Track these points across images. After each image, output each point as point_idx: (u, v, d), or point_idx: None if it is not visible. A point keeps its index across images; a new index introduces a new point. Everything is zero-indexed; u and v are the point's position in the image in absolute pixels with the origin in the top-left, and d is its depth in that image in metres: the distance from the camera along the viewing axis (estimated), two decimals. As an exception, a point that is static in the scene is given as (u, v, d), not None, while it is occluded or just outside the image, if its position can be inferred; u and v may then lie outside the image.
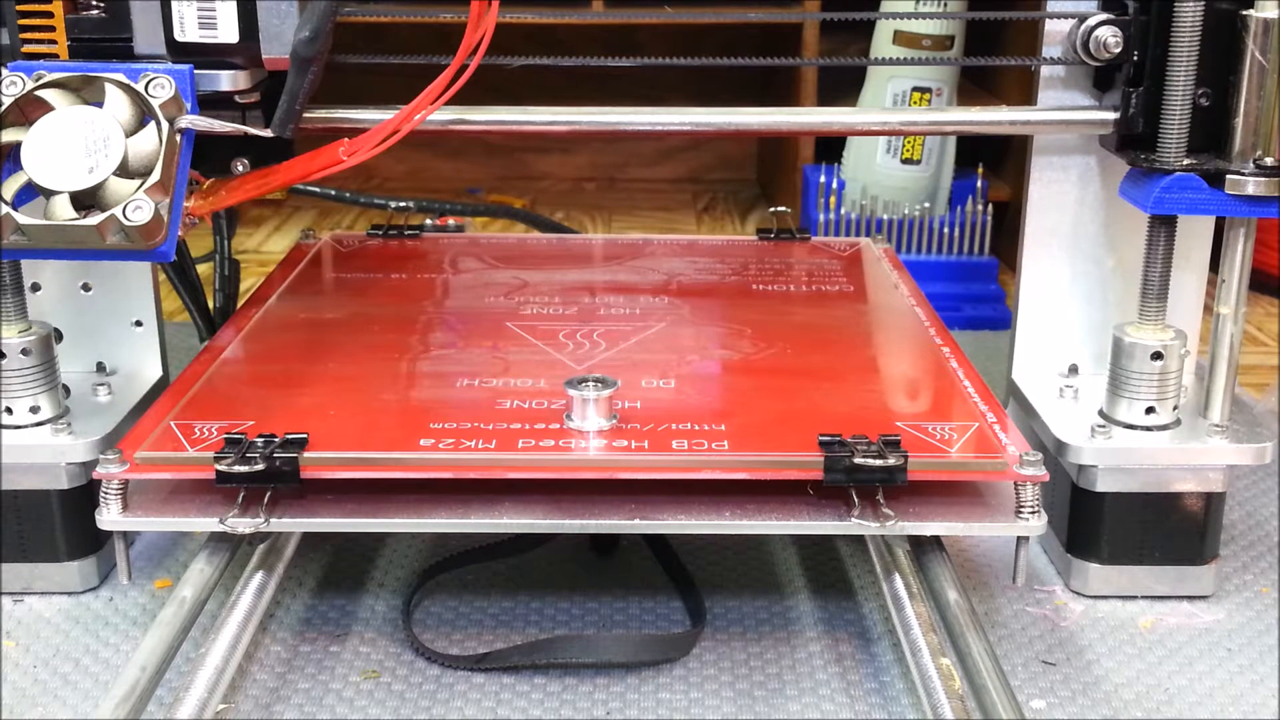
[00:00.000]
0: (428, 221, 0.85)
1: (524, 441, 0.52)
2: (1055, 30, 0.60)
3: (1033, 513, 0.51)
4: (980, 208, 1.06)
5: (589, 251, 0.81)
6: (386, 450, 0.51)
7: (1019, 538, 0.52)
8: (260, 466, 0.49)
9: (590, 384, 0.53)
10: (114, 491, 0.51)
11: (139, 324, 0.66)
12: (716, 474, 0.51)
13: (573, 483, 0.52)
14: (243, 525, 0.50)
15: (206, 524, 0.51)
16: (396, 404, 0.56)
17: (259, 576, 0.54)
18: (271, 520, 0.50)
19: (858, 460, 0.50)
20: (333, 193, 1.04)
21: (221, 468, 0.49)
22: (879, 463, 0.50)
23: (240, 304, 0.70)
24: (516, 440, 0.52)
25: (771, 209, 0.83)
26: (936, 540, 0.55)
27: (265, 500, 0.51)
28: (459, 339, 0.64)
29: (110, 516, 0.51)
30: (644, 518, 0.51)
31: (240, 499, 0.51)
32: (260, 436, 0.51)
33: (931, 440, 0.53)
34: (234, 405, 0.56)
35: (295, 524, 0.51)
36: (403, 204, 0.93)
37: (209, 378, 0.59)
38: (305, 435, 0.51)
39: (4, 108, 0.50)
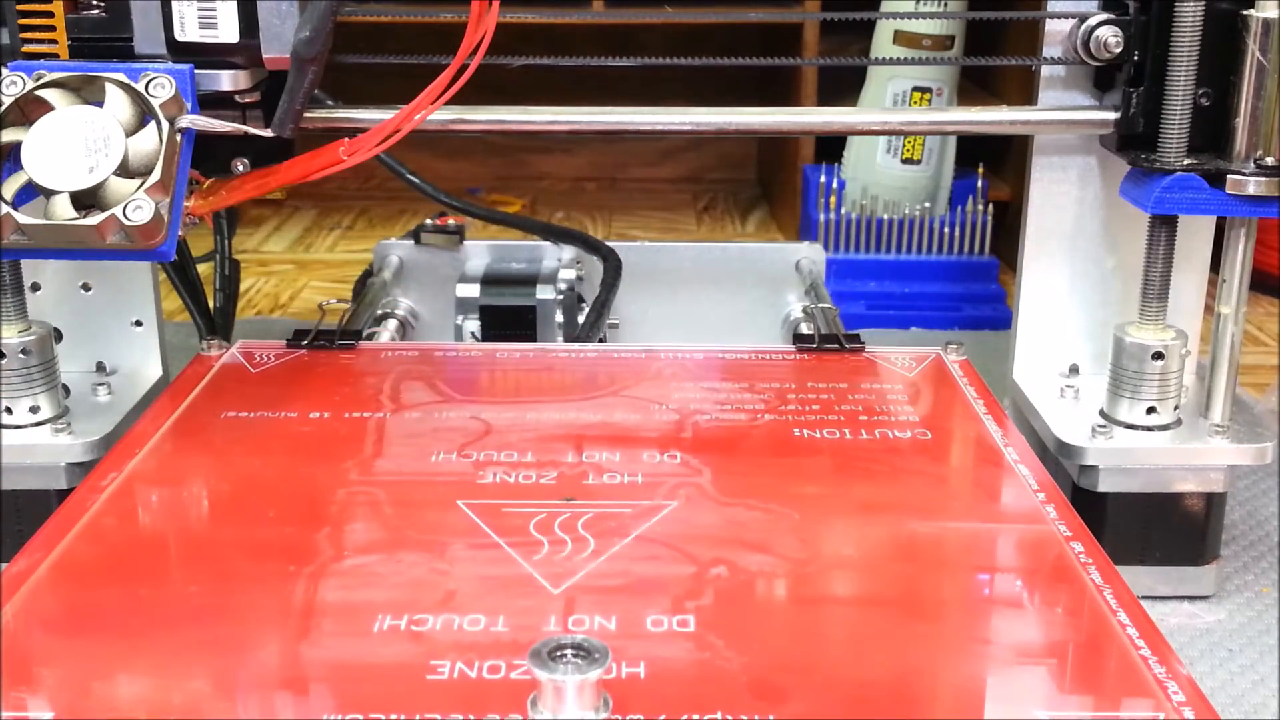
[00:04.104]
0: (428, 221, 0.84)
1: None
2: (1055, 30, 0.60)
3: None
4: (980, 208, 1.06)
5: (577, 370, 0.62)
6: None
7: None
8: None
9: (568, 656, 0.34)
10: None
11: (139, 324, 0.66)
12: None
13: None
14: None
15: None
16: (277, 673, 0.38)
17: None
18: None
19: None
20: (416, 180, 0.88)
21: None
22: None
23: (99, 462, 0.53)
24: None
25: (804, 306, 0.61)
26: None
27: None
28: (387, 535, 0.46)
29: None
30: None
31: None
32: None
33: None
34: (30, 680, 0.37)
35: None
36: (446, 216, 0.83)
37: (8, 623, 0.40)
38: None
39: (4, 107, 0.50)
